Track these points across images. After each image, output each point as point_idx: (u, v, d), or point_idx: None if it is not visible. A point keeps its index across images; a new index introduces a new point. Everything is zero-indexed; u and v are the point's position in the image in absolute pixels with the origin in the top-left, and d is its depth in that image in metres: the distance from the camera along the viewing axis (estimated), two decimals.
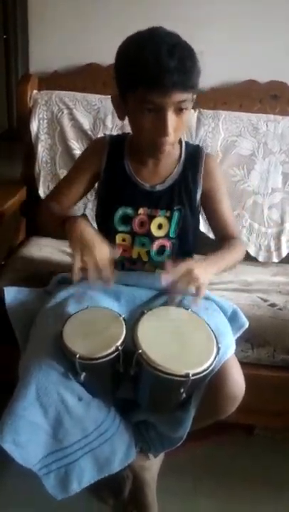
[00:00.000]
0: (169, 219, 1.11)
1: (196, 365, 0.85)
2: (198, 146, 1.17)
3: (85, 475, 0.97)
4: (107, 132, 1.52)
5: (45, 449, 0.94)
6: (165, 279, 0.91)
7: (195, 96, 0.97)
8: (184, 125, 1.00)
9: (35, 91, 1.57)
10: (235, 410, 0.96)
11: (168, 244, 1.12)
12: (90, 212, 1.56)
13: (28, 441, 0.91)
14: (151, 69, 0.88)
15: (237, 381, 0.94)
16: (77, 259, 0.91)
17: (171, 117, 0.93)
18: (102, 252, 0.93)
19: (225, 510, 1.21)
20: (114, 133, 1.52)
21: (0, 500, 1.18)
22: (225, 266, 1.03)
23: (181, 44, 0.91)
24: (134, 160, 1.11)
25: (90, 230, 0.95)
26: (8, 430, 0.88)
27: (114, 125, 1.53)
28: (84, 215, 1.03)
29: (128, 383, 0.97)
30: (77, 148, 1.54)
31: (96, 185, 1.16)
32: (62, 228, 0.98)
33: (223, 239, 1.13)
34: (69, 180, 1.16)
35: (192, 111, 1.52)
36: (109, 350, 0.87)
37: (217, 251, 1.05)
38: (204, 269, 0.94)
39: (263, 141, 1.52)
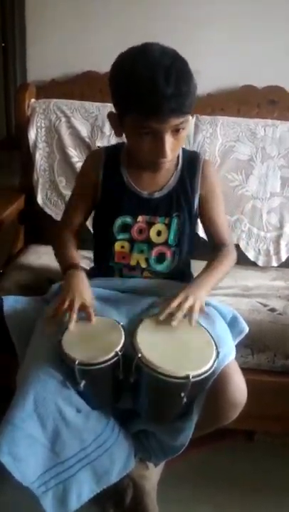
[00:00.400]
0: (168, 226, 1.11)
1: (196, 368, 0.85)
2: (195, 152, 1.18)
3: (84, 489, 0.95)
4: (105, 139, 1.52)
5: (43, 464, 0.93)
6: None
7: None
8: (182, 141, 1.01)
9: (33, 99, 1.58)
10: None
11: (167, 251, 1.13)
12: (90, 221, 1.56)
13: (26, 455, 0.90)
14: (148, 97, 0.88)
15: (239, 387, 0.93)
16: (59, 302, 0.95)
17: (168, 140, 0.94)
18: (84, 300, 0.96)
19: None
20: (113, 140, 1.52)
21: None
22: (217, 280, 1.06)
23: (177, 65, 0.90)
24: (132, 169, 1.12)
25: (83, 287, 0.99)
26: (5, 441, 0.87)
27: (112, 132, 1.53)
28: (84, 269, 1.10)
29: (128, 393, 0.96)
30: (75, 156, 1.55)
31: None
32: (62, 272, 1.06)
33: (215, 246, 1.15)
34: (74, 200, 1.19)
35: (189, 117, 1.52)
36: (109, 356, 0.87)
37: (209, 267, 1.08)
38: (197, 295, 0.97)
39: (261, 145, 1.52)
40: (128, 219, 1.11)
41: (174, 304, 0.94)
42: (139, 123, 0.93)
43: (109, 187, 1.12)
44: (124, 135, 1.02)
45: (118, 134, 1.05)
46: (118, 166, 1.12)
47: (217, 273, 1.07)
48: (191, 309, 0.94)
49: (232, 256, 1.14)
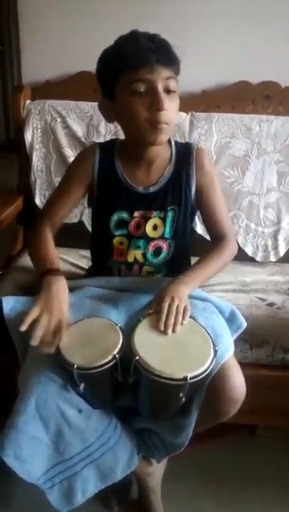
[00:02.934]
0: (164, 219, 1.12)
1: (193, 369, 0.85)
2: (187, 143, 1.18)
3: (89, 485, 0.97)
4: (101, 138, 1.53)
5: (47, 463, 0.94)
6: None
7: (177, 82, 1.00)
8: (176, 109, 1.02)
9: (28, 101, 1.58)
10: (237, 411, 0.96)
11: (164, 245, 1.13)
12: (87, 219, 1.57)
13: (30, 456, 0.91)
14: (135, 51, 0.94)
15: (237, 383, 0.94)
16: (35, 312, 0.91)
17: (162, 93, 0.96)
18: (61, 317, 0.92)
19: None
20: (109, 139, 1.53)
21: (3, 509, 1.18)
22: (209, 275, 1.07)
23: (156, 34, 0.98)
24: (126, 164, 1.12)
25: (62, 296, 0.95)
26: (10, 444, 0.89)
27: (107, 131, 1.54)
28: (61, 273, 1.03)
29: (127, 392, 0.97)
30: (72, 156, 1.55)
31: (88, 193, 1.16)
32: (38, 277, 1.00)
33: (215, 238, 1.14)
34: (61, 192, 1.15)
35: (184, 114, 1.53)
36: (107, 359, 0.87)
37: (199, 262, 1.08)
38: (180, 295, 0.97)
39: (256, 141, 1.52)
40: (124, 214, 1.12)
41: (164, 311, 0.94)
42: (130, 81, 0.96)
43: (105, 183, 1.12)
44: (118, 125, 1.07)
45: (110, 118, 1.07)
46: (112, 161, 1.12)
47: (206, 268, 1.07)
48: (178, 311, 0.95)
49: (230, 249, 1.13)
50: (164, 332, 0.92)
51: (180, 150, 1.13)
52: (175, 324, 0.93)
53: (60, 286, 0.97)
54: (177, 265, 1.15)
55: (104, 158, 1.12)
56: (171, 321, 0.93)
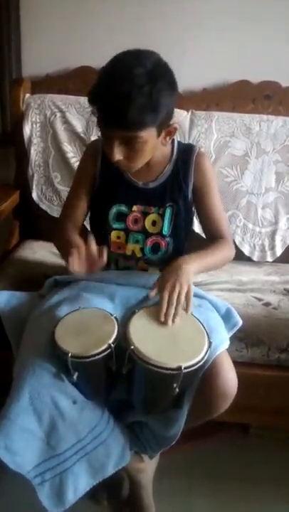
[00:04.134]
0: (162, 216, 1.13)
1: (188, 359, 0.86)
2: (190, 144, 1.20)
3: (80, 482, 0.96)
4: (100, 135, 1.52)
5: (38, 456, 0.94)
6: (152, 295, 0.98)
7: (155, 131, 0.96)
8: (141, 155, 1.00)
9: (27, 95, 1.57)
10: (231, 409, 0.96)
11: (162, 242, 1.14)
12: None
13: (21, 448, 0.91)
14: (98, 101, 0.93)
15: (229, 378, 0.94)
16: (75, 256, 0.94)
17: (116, 147, 0.96)
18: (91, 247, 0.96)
19: (221, 510, 1.21)
20: None
21: None
22: (210, 263, 1.06)
23: (140, 85, 0.88)
24: None
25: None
26: (0, 435, 0.88)
27: None
28: None
29: (121, 384, 0.97)
30: (70, 151, 1.55)
31: None
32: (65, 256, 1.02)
33: (212, 238, 1.14)
34: (75, 191, 1.18)
35: (184, 112, 1.52)
36: (102, 348, 0.88)
37: (203, 249, 1.08)
38: (181, 271, 0.97)
39: (256, 141, 1.52)
40: (123, 207, 1.13)
41: (164, 301, 0.94)
42: (98, 123, 0.98)
43: (106, 176, 1.13)
44: None
45: None
46: None
47: (208, 255, 1.06)
48: (179, 300, 0.94)
49: (228, 249, 1.13)
50: (165, 323, 0.93)
51: (182, 150, 1.15)
52: (175, 315, 0.94)
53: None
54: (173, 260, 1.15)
55: None
56: (171, 312, 0.94)
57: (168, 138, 1.04)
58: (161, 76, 0.92)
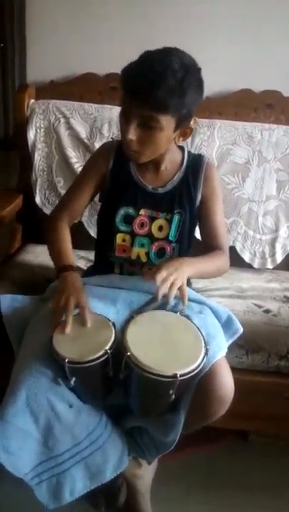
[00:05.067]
0: (169, 222, 1.14)
1: (183, 366, 0.86)
2: (200, 154, 1.21)
3: (77, 484, 0.96)
4: (104, 140, 1.53)
5: (36, 458, 0.94)
6: (146, 280, 0.98)
7: (174, 121, 0.98)
8: (153, 144, 1.02)
9: (32, 100, 1.59)
10: (230, 416, 0.96)
11: (168, 247, 1.15)
12: (87, 220, 1.57)
13: (19, 449, 0.91)
14: (129, 74, 0.96)
15: (226, 383, 0.95)
16: (54, 304, 0.96)
17: (133, 127, 0.98)
18: (78, 295, 0.97)
19: None
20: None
21: None
22: (206, 270, 1.08)
23: (174, 65, 0.93)
24: (139, 164, 1.13)
25: (78, 286, 0.99)
26: None
27: (110, 133, 1.54)
28: (78, 268, 1.10)
29: (118, 388, 0.97)
30: (74, 157, 1.56)
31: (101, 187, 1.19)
32: (56, 271, 1.06)
33: (210, 248, 1.16)
34: (79, 185, 1.19)
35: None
36: (99, 354, 0.88)
37: (201, 256, 1.10)
38: (180, 265, 0.99)
39: (257, 149, 1.54)
40: (131, 210, 1.14)
41: (158, 279, 0.95)
42: (121, 99, 1.00)
43: (117, 177, 1.15)
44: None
45: None
46: (127, 159, 1.14)
47: (206, 263, 1.08)
48: (174, 284, 0.95)
49: (224, 261, 1.14)
50: (158, 318, 0.94)
51: (192, 159, 1.17)
52: (170, 294, 0.94)
53: (75, 278, 1.02)
54: None
55: (121, 155, 1.14)
56: (167, 287, 0.94)
57: (182, 138, 1.05)
58: (193, 74, 0.97)
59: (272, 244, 1.58)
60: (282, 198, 1.57)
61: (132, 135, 0.99)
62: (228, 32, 1.56)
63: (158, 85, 0.92)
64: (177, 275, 0.97)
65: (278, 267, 1.59)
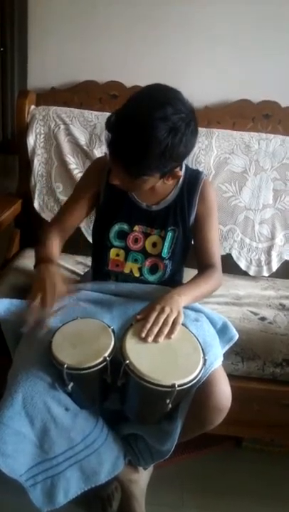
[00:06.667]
0: (163, 238, 1.14)
1: (182, 376, 0.86)
2: (197, 170, 1.20)
3: (71, 486, 0.97)
4: (103, 147, 1.55)
5: (31, 460, 0.95)
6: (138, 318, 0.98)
7: (158, 175, 0.98)
8: (140, 188, 1.04)
9: (32, 106, 1.60)
10: (224, 422, 0.97)
11: (161, 264, 1.15)
12: (85, 226, 1.58)
13: (14, 451, 0.92)
14: (113, 136, 0.94)
15: (224, 392, 0.95)
16: (36, 300, 0.96)
17: (117, 174, 1.00)
18: (58, 289, 0.98)
19: None
20: None
21: None
22: (199, 295, 1.08)
23: (159, 140, 0.89)
24: None
25: (53, 277, 1.00)
26: None
27: None
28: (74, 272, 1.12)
29: (115, 394, 0.98)
30: (73, 163, 1.57)
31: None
32: (34, 266, 1.09)
33: (202, 265, 1.16)
34: (72, 201, 1.20)
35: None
36: (97, 361, 0.88)
37: (193, 281, 1.10)
38: (170, 299, 0.99)
39: (254, 158, 1.56)
40: (125, 226, 1.14)
41: (151, 319, 0.95)
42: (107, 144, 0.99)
43: (111, 193, 1.15)
44: None
45: None
46: None
47: (199, 288, 1.08)
48: (166, 322, 0.95)
49: (217, 279, 1.14)
50: (144, 340, 0.93)
51: (189, 176, 1.16)
52: (158, 335, 0.94)
53: (51, 269, 1.02)
54: (169, 280, 1.17)
55: None
56: (155, 330, 0.94)
57: (170, 179, 1.04)
58: (183, 130, 0.92)
59: (268, 252, 1.60)
60: (278, 206, 1.59)
61: (116, 181, 1.02)
62: (228, 43, 1.58)
63: (140, 157, 0.91)
64: (171, 309, 0.97)
65: (274, 275, 1.61)
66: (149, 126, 0.88)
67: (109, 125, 0.94)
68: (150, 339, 0.93)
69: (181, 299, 1.01)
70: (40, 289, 0.97)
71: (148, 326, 0.94)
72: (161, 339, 0.93)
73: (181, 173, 1.06)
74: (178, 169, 1.02)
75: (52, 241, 1.14)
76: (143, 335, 0.93)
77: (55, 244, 1.14)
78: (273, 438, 1.35)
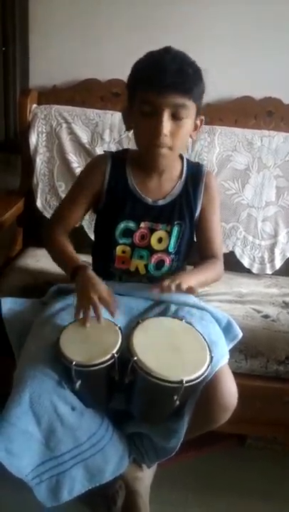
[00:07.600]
0: (169, 233, 1.14)
1: (189, 373, 0.87)
2: (198, 163, 1.21)
3: (76, 484, 0.97)
4: (105, 146, 1.55)
5: (37, 458, 0.95)
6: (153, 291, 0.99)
7: (195, 109, 1.02)
8: (184, 135, 1.04)
9: (34, 105, 1.60)
10: (228, 420, 0.97)
11: (167, 259, 1.15)
12: (87, 224, 1.58)
13: (21, 450, 0.92)
14: (150, 69, 0.97)
15: (230, 390, 0.95)
16: (80, 309, 0.96)
17: (166, 119, 0.98)
18: (100, 294, 0.96)
19: None
20: (113, 147, 1.55)
21: None
22: (203, 281, 1.08)
23: (186, 58, 0.99)
24: (137, 175, 1.14)
25: (94, 282, 0.98)
26: (1, 438, 0.89)
27: (111, 139, 1.56)
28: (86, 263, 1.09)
29: (122, 393, 0.98)
30: (75, 162, 1.57)
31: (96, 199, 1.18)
32: (69, 274, 1.04)
33: (205, 255, 1.17)
34: (71, 200, 1.18)
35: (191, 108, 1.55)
36: (106, 358, 0.89)
37: (196, 267, 1.12)
38: (181, 277, 1.00)
39: (257, 155, 1.55)
40: (131, 224, 1.14)
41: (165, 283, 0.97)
42: (141, 100, 0.99)
43: (114, 192, 1.14)
44: (122, 133, 1.10)
45: (127, 127, 1.11)
46: (124, 171, 1.14)
47: (203, 273, 1.10)
48: (179, 286, 0.96)
49: (220, 269, 1.15)
50: (161, 289, 0.95)
51: (191, 169, 1.17)
52: (178, 286, 0.95)
53: (90, 274, 1.00)
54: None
55: (116, 167, 1.14)
56: (166, 282, 0.96)
57: (195, 132, 1.08)
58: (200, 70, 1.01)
59: (272, 249, 1.59)
60: (281, 204, 1.58)
61: (167, 129, 0.99)
62: (230, 39, 1.58)
63: (184, 73, 0.96)
64: (180, 280, 0.97)
65: (277, 273, 1.60)
66: (175, 54, 0.99)
67: (143, 65, 1.00)
68: (173, 288, 0.95)
69: (190, 278, 1.02)
70: (84, 299, 0.96)
71: (165, 283, 0.96)
72: (184, 288, 0.95)
73: (203, 121, 1.10)
74: (198, 119, 1.07)
75: (64, 242, 1.13)
76: (165, 285, 0.96)
77: (68, 245, 1.13)
78: (276, 436, 1.34)
